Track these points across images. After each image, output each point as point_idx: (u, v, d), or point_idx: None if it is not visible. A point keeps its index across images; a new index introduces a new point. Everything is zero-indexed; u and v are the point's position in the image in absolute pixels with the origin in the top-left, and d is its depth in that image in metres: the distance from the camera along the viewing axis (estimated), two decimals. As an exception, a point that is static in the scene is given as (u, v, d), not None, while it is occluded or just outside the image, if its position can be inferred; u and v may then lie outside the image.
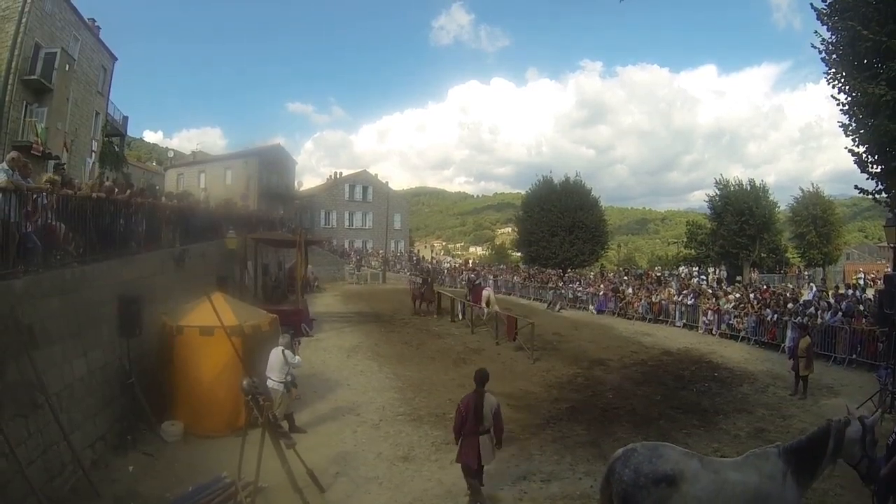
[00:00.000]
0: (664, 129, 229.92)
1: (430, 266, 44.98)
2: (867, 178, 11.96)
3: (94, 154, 26.67)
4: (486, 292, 21.49)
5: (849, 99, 11.68)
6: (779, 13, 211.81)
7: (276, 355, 9.02)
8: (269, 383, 8.79)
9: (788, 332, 15.88)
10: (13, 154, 7.79)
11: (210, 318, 8.65)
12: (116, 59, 28.72)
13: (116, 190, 10.79)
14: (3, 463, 5.71)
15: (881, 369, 11.33)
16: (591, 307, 25.80)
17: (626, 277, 30.32)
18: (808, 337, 12.45)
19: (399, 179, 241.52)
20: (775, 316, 17.27)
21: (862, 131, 11.37)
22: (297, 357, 9.27)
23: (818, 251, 38.07)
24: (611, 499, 4.87)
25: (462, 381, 12.57)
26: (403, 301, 24.88)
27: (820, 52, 12.08)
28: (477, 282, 26.59)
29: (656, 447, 4.93)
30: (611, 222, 53.10)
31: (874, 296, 17.41)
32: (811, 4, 11.95)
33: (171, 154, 63.65)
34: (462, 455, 6.65)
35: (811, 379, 12.07)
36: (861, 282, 29.07)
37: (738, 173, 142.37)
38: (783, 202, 40.81)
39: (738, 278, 31.38)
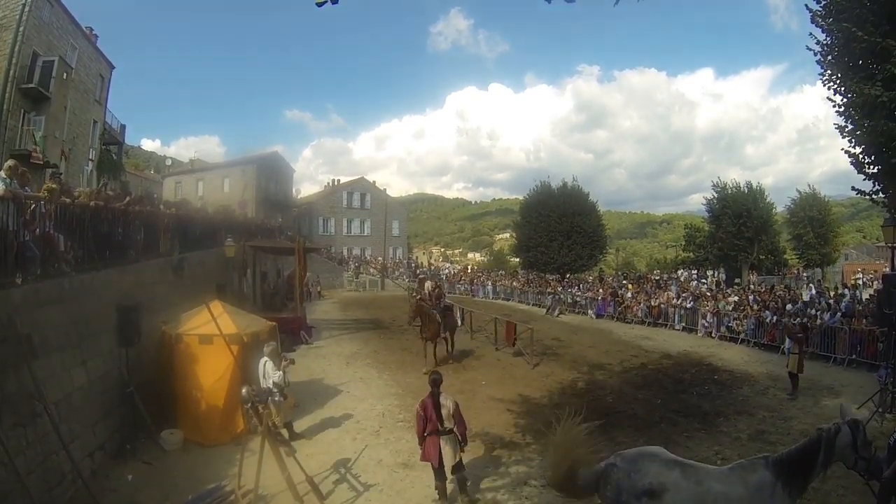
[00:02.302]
0: (662, 133, 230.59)
1: (424, 270, 43.83)
2: (864, 179, 12.00)
3: (91, 162, 26.69)
4: (429, 284, 22.59)
5: (844, 100, 11.73)
6: (776, 15, 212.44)
7: (260, 366, 8.75)
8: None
9: (788, 334, 15.93)
10: (10, 162, 7.78)
11: (209, 327, 8.68)
12: (114, 67, 28.81)
13: (112, 196, 10.78)
14: (3, 472, 5.68)
15: (881, 369, 11.33)
16: (590, 311, 25.81)
17: (624, 281, 30.33)
18: (799, 335, 12.60)
19: (397, 186, 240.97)
20: (775, 318, 17.28)
21: (858, 132, 11.41)
22: (278, 373, 8.71)
23: (816, 252, 38.16)
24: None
25: (462, 388, 12.55)
26: (403, 308, 24.80)
27: (815, 55, 12.14)
28: (421, 276, 29.75)
29: (635, 460, 4.89)
30: (609, 227, 53.15)
31: (871, 295, 17.47)
32: (806, 6, 12.03)
33: (168, 162, 63.94)
34: (425, 454, 7.00)
35: (811, 379, 12.09)
36: (860, 282, 29.10)
37: (736, 176, 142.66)
38: (782, 204, 40.98)
39: (737, 280, 31.41)
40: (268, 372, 8.65)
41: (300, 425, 9.83)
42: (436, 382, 7.07)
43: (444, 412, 6.85)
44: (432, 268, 51.00)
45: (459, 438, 6.98)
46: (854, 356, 14.46)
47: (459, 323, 21.09)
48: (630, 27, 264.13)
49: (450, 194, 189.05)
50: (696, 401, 11.68)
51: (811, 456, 4.65)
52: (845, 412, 4.87)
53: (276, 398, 8.60)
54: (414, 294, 18.46)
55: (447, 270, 48.45)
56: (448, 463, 6.91)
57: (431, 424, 6.86)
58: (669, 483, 4.59)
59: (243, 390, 7.17)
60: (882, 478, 4.76)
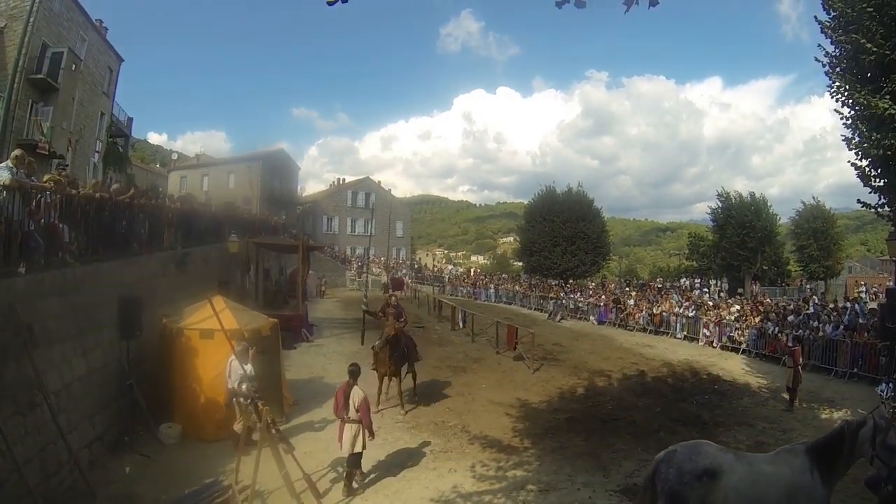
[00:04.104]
0: (669, 141, 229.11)
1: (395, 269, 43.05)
2: (870, 192, 11.95)
3: (98, 154, 26.73)
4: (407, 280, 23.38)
5: (852, 112, 11.70)
6: (787, 25, 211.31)
7: (227, 365, 8.29)
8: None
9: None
10: (17, 152, 7.79)
11: (210, 321, 8.64)
12: (123, 60, 28.87)
13: (115, 188, 10.80)
14: (0, 461, 5.69)
15: (882, 383, 11.28)
16: (592, 318, 25.74)
17: (627, 288, 30.27)
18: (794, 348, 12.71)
19: (402, 187, 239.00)
20: (776, 329, 17.22)
21: (865, 145, 11.36)
22: (246, 366, 7.79)
23: (819, 264, 38.00)
24: (653, 500, 5.11)
25: (461, 390, 12.55)
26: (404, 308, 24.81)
27: (824, 66, 12.12)
28: (397, 276, 31.81)
29: (695, 445, 5.27)
30: (613, 233, 53.15)
31: (872, 309, 17.37)
32: (815, 18, 12.02)
33: (174, 156, 63.83)
34: (338, 436, 7.63)
35: (811, 392, 12.03)
36: (863, 295, 28.95)
37: (742, 185, 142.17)
38: (787, 215, 40.85)
39: (740, 290, 31.31)
40: (234, 369, 8.08)
41: (299, 422, 9.83)
42: (353, 374, 7.64)
43: (350, 402, 7.39)
44: (436, 269, 50.95)
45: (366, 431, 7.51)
46: (855, 369, 14.39)
47: (461, 325, 21.14)
48: (639, 34, 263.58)
49: (454, 196, 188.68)
50: (696, 410, 11.64)
51: (836, 446, 4.99)
52: (875, 413, 5.06)
53: (242, 399, 7.80)
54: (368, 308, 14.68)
55: (449, 273, 48.35)
56: (346, 449, 7.42)
57: (339, 411, 7.49)
58: (726, 465, 4.94)
59: (243, 387, 7.17)
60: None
